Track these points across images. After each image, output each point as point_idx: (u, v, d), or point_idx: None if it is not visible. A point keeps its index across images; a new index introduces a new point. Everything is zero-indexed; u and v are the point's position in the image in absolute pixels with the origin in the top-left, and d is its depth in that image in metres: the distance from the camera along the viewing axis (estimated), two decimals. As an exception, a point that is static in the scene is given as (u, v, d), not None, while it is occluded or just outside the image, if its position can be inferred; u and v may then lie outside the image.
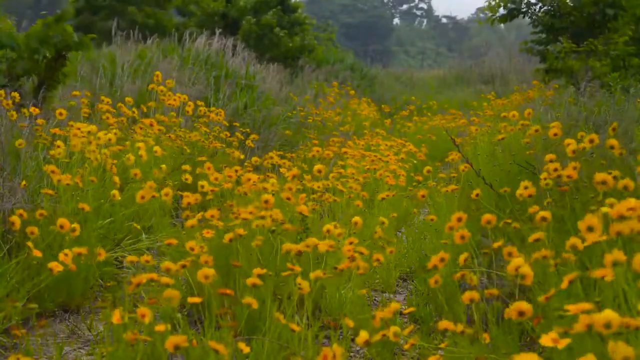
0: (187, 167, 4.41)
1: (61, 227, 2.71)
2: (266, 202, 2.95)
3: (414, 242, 4.07)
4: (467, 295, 1.96)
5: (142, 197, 3.22)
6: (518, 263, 1.94)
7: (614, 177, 2.35)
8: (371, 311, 2.99)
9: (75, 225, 2.75)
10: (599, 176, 2.32)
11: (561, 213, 2.80)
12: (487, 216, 2.41)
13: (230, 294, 2.05)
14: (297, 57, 15.48)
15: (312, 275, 2.30)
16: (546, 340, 1.47)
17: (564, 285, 1.68)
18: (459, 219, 2.37)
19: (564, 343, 1.45)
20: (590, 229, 1.92)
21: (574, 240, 1.94)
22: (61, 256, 2.45)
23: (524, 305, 1.66)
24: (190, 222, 2.88)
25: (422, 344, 2.33)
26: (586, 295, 2.01)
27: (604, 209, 2.05)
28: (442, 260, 2.11)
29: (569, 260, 2.04)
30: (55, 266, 2.38)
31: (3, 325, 2.47)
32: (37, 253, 2.54)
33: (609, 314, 1.34)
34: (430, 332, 2.86)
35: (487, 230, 2.53)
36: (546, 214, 2.29)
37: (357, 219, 3.06)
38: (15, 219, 2.65)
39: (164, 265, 2.25)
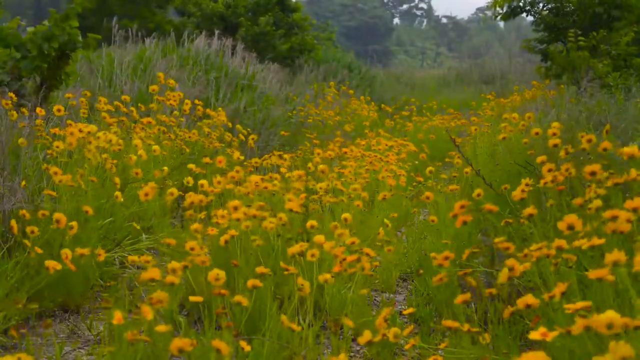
0: (192, 165, 4.35)
1: (57, 221, 2.68)
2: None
3: (414, 242, 4.07)
4: (461, 298, 1.96)
5: (146, 195, 3.20)
6: (508, 271, 1.94)
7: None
8: (372, 311, 2.98)
9: (73, 222, 2.73)
10: (588, 168, 2.31)
11: (559, 214, 2.80)
12: (488, 205, 2.40)
13: (225, 294, 2.04)
14: (297, 57, 15.47)
15: (320, 278, 2.29)
16: (535, 335, 1.49)
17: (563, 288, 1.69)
18: (462, 206, 2.36)
19: (551, 336, 1.47)
20: (570, 227, 1.92)
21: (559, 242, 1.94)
22: (62, 255, 2.43)
23: (530, 299, 1.67)
24: (195, 225, 2.84)
25: (422, 345, 2.32)
26: (584, 295, 2.01)
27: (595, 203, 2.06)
28: (446, 258, 2.10)
29: (569, 260, 2.03)
30: (54, 265, 2.36)
31: (3, 325, 2.47)
32: (38, 250, 2.52)
33: (610, 315, 1.34)
34: (431, 332, 2.86)
35: (487, 229, 2.52)
36: (532, 210, 2.28)
37: (346, 215, 3.05)
38: (13, 222, 2.63)
39: (170, 266, 2.23)
